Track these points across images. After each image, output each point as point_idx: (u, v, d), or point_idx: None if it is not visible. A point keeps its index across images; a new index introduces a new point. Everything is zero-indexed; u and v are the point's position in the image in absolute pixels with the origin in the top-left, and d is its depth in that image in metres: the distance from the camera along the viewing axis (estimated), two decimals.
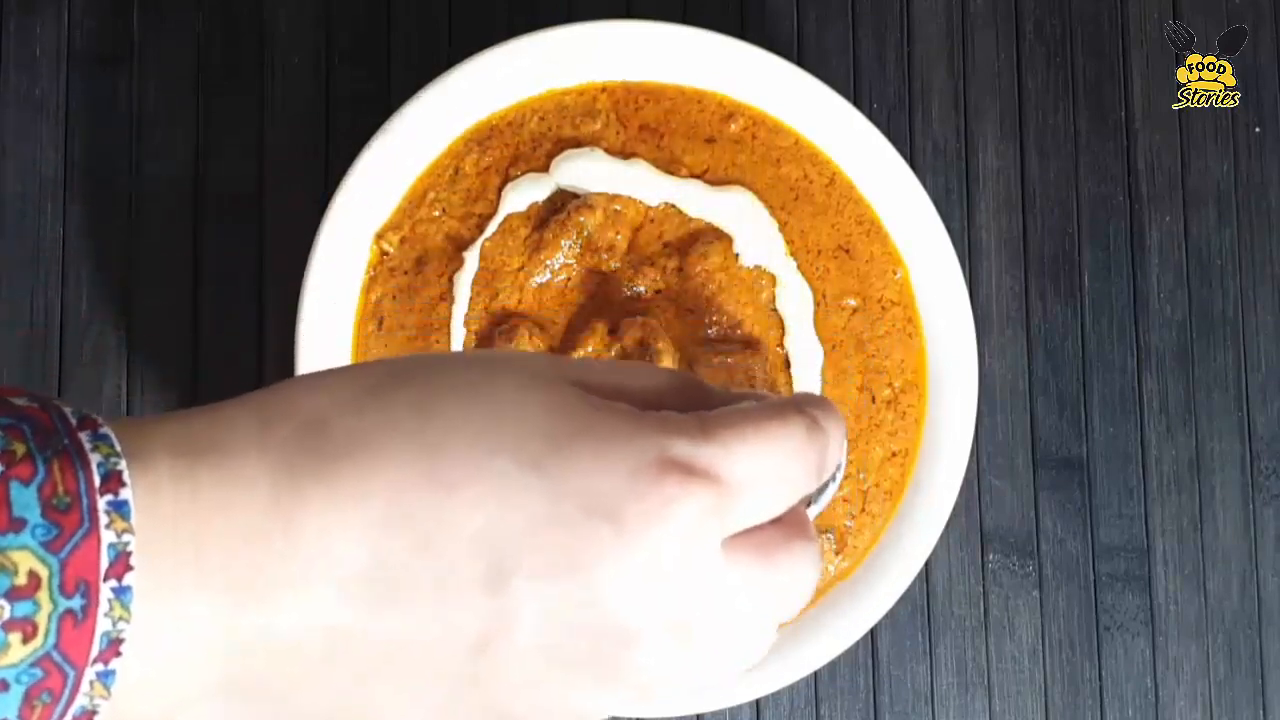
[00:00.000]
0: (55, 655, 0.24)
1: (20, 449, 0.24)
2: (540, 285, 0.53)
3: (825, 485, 0.38)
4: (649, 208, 0.53)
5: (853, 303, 0.54)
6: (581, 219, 0.52)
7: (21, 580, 0.23)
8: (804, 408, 0.30)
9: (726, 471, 0.27)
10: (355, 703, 0.27)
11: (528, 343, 0.51)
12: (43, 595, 0.23)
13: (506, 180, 0.53)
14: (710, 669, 0.29)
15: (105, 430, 0.25)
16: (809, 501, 0.35)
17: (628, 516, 0.26)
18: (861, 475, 0.53)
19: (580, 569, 0.26)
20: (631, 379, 0.30)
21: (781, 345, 0.53)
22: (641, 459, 0.26)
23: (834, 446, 0.31)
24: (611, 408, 0.28)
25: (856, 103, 0.57)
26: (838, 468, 0.37)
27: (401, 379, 0.28)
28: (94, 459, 0.25)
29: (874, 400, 0.53)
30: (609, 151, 0.53)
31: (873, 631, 0.56)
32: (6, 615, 0.23)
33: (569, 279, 0.53)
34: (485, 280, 0.52)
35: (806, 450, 0.29)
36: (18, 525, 0.23)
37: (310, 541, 0.25)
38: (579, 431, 0.27)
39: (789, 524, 0.30)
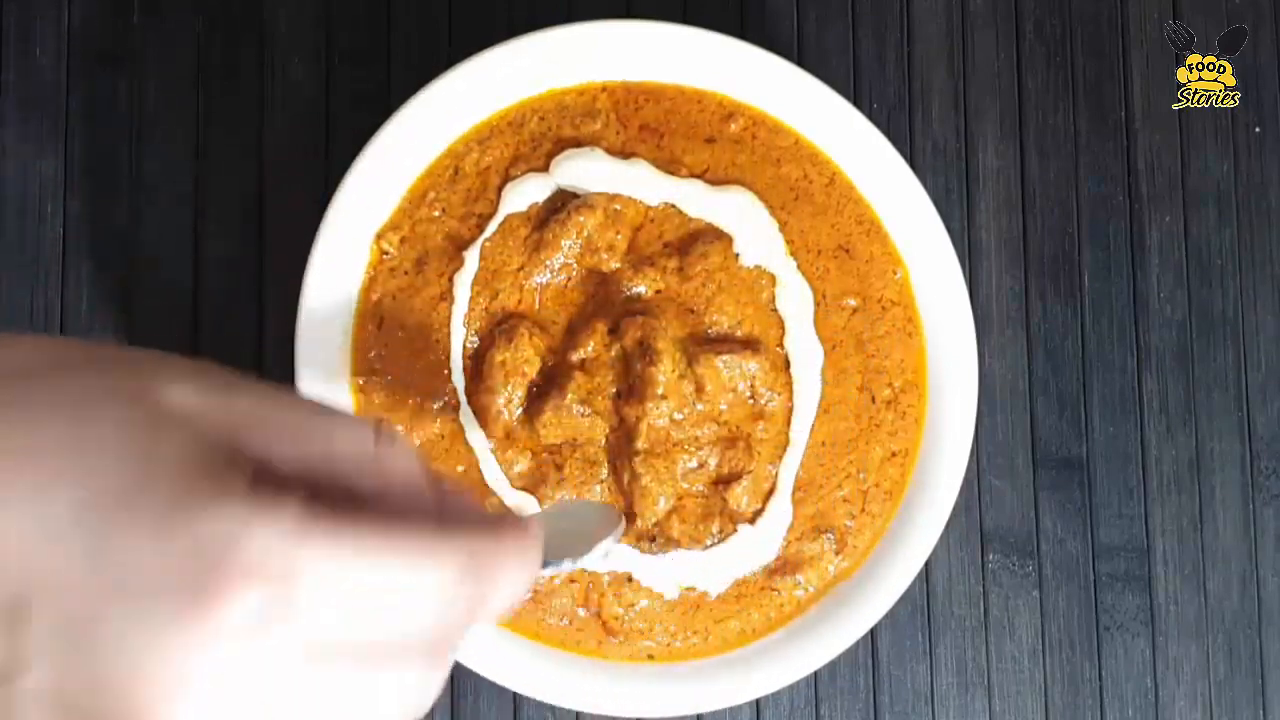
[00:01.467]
0: None
1: None
2: (540, 285, 0.53)
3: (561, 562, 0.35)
4: (649, 208, 0.53)
5: (853, 303, 0.54)
6: (581, 219, 0.52)
7: None
8: (473, 548, 0.26)
9: (310, 579, 0.24)
10: None
11: (528, 343, 0.51)
12: None
13: (506, 180, 0.53)
14: None
15: None
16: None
17: (161, 603, 0.23)
18: (861, 475, 0.53)
19: (100, 643, 0.23)
20: (301, 430, 0.26)
21: (781, 345, 0.53)
22: (209, 541, 0.23)
23: (501, 594, 0.27)
24: (212, 470, 0.24)
25: (856, 103, 0.57)
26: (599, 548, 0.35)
27: (27, 379, 0.25)
28: None
29: (874, 400, 0.53)
30: (609, 151, 0.53)
31: (873, 631, 0.56)
32: None
33: (569, 279, 0.53)
34: (485, 280, 0.52)
35: (438, 594, 0.25)
36: None
37: None
38: (152, 489, 0.24)
39: (412, 644, 0.26)
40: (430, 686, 0.27)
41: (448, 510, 0.27)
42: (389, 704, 0.26)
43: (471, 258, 0.52)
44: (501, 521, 0.28)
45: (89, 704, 0.24)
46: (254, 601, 0.23)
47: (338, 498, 0.25)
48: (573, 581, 0.52)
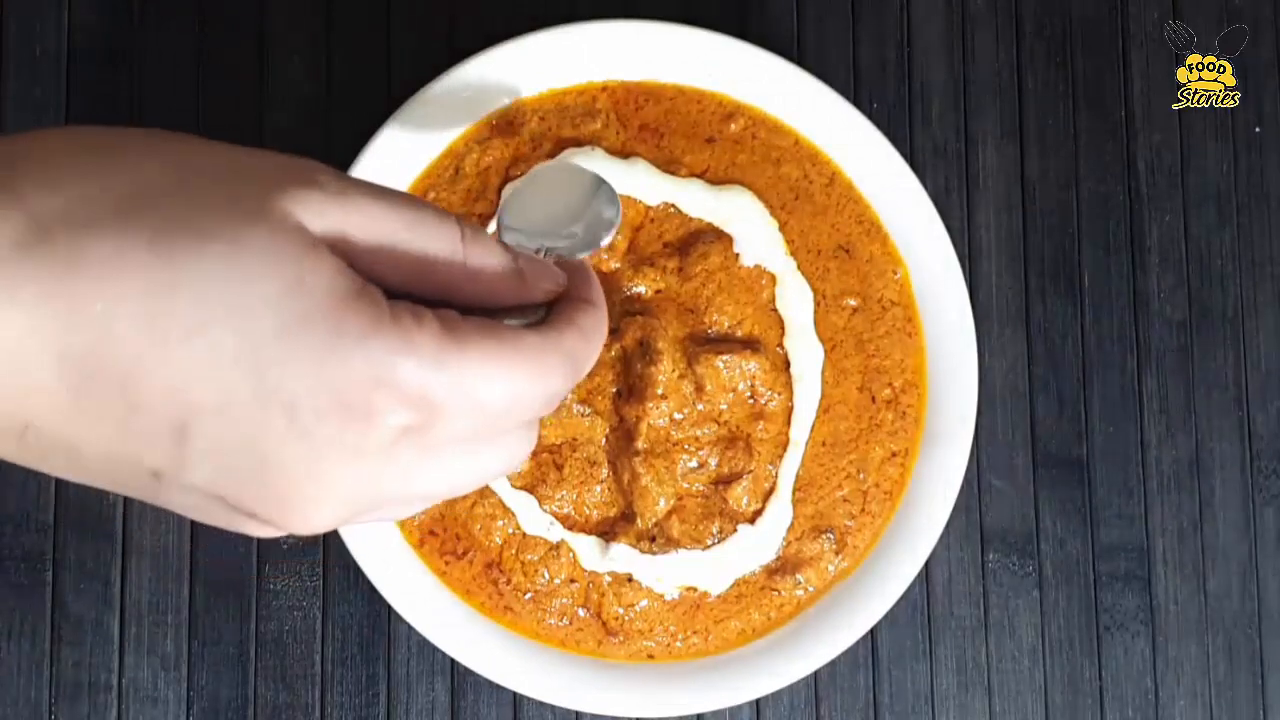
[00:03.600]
0: None
1: None
2: None
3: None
4: (649, 208, 0.53)
5: (853, 302, 0.54)
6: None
7: None
8: (572, 350, 0.30)
9: (448, 398, 0.28)
10: (30, 462, 0.28)
11: None
12: None
13: (506, 180, 0.53)
14: (389, 515, 0.31)
15: None
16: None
17: (323, 422, 0.26)
18: (861, 475, 0.53)
19: (260, 455, 0.26)
20: (405, 235, 0.29)
21: (781, 345, 0.53)
22: (365, 371, 0.26)
23: (585, 374, 0.32)
24: (358, 302, 0.27)
25: (856, 103, 0.57)
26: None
27: (149, 202, 0.27)
28: None
29: (874, 400, 0.53)
30: (609, 151, 0.53)
31: (873, 631, 0.56)
32: None
33: None
34: None
35: (549, 394, 0.30)
36: None
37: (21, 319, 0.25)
38: (313, 323, 0.26)
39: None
40: (528, 448, 0.31)
41: (530, 284, 0.32)
42: (493, 469, 0.30)
43: None
44: (575, 295, 0.32)
45: (241, 500, 0.27)
46: (400, 422, 0.27)
47: (438, 300, 0.29)
48: (573, 582, 0.52)
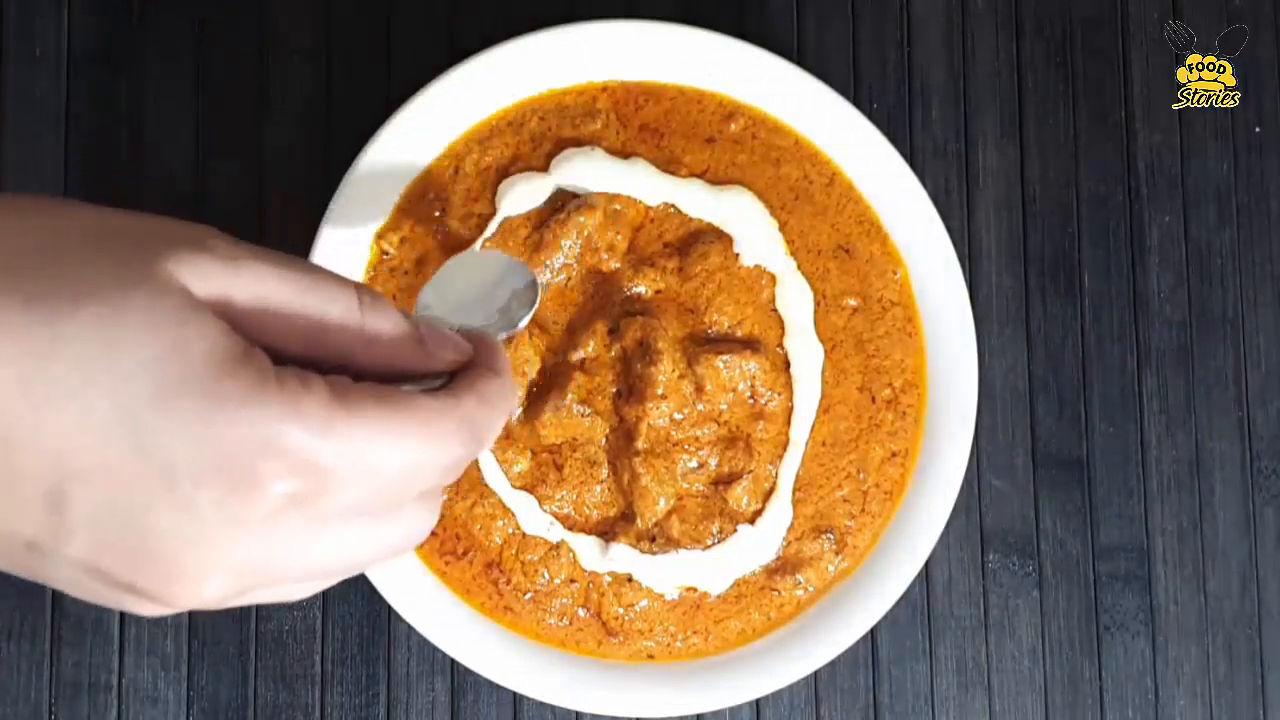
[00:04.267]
0: None
1: None
2: (541, 285, 0.52)
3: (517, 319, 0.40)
4: (649, 208, 0.53)
5: (853, 302, 0.54)
6: (581, 219, 0.52)
7: None
8: (469, 416, 0.29)
9: (337, 465, 0.27)
10: None
11: (528, 343, 0.51)
12: None
13: (504, 178, 0.53)
14: (280, 595, 0.29)
15: None
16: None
17: (206, 488, 0.25)
18: (861, 475, 0.53)
19: (142, 521, 0.26)
20: (299, 301, 0.28)
21: (781, 345, 0.53)
22: (248, 438, 0.26)
23: (490, 441, 0.31)
24: (241, 367, 0.26)
25: (856, 103, 0.57)
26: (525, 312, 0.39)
27: (28, 263, 0.26)
28: None
29: (874, 400, 0.53)
30: (609, 151, 0.53)
31: (873, 631, 0.56)
32: None
33: (569, 279, 0.53)
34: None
35: (451, 460, 0.29)
36: None
37: None
38: (191, 390, 0.25)
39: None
40: (431, 521, 0.31)
41: (430, 352, 0.31)
42: (392, 543, 0.29)
43: None
44: (480, 364, 0.32)
45: (120, 572, 0.26)
46: (287, 489, 0.26)
47: (335, 367, 0.28)
48: (573, 582, 0.52)
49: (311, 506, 0.27)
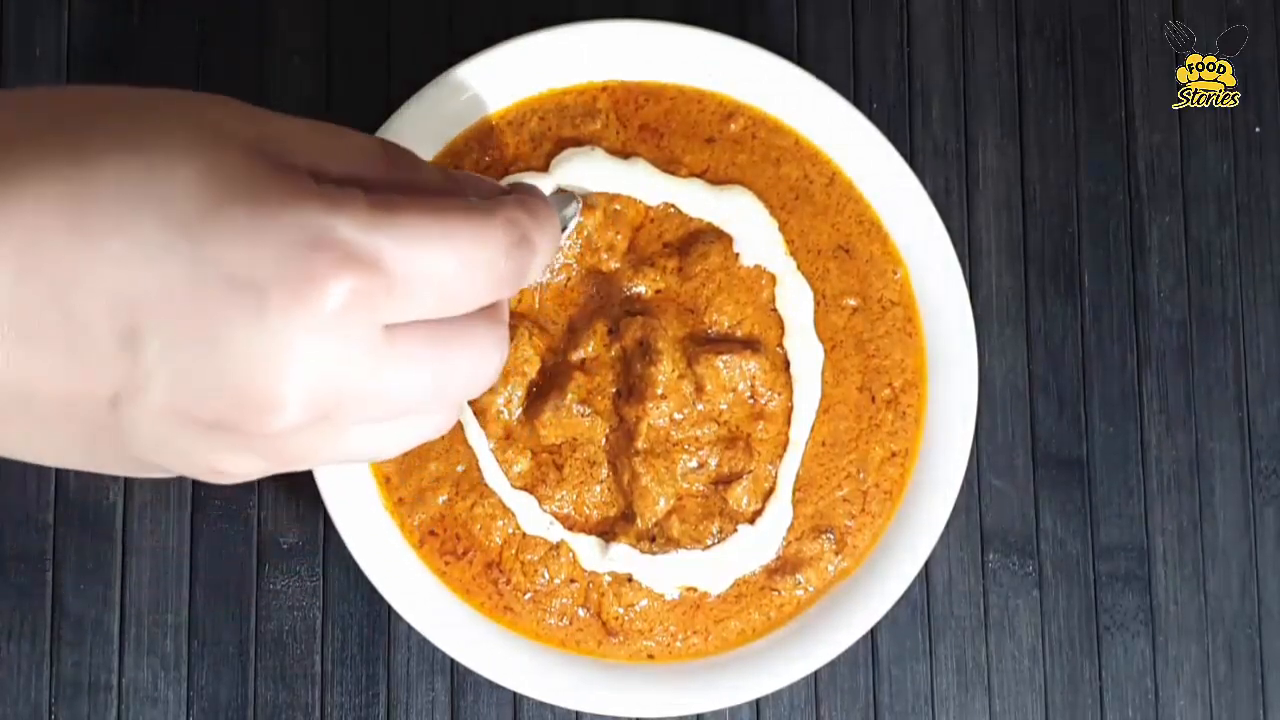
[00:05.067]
0: None
1: None
2: (540, 285, 0.53)
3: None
4: (649, 208, 0.53)
5: (853, 302, 0.54)
6: (581, 219, 0.52)
7: None
8: (512, 218, 0.29)
9: (391, 262, 0.26)
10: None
11: (528, 343, 0.51)
12: None
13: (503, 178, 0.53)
14: (359, 440, 0.29)
15: None
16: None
17: (270, 291, 0.25)
18: (861, 475, 0.53)
19: (215, 339, 0.25)
20: (327, 147, 0.29)
21: (781, 345, 0.53)
22: (298, 234, 0.25)
23: (540, 258, 0.30)
24: (281, 176, 0.26)
25: (856, 103, 0.57)
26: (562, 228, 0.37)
27: (63, 116, 0.26)
28: None
29: (874, 400, 0.53)
30: (609, 151, 0.53)
31: (873, 631, 0.56)
32: None
33: (569, 279, 0.53)
34: None
35: (498, 262, 0.28)
36: None
37: None
38: (236, 197, 0.25)
39: (473, 313, 0.30)
40: (497, 354, 0.30)
41: (467, 188, 0.30)
42: (471, 368, 0.29)
43: None
44: (518, 191, 0.31)
45: (203, 406, 0.26)
46: (347, 285, 0.26)
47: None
48: (573, 582, 0.52)
49: (375, 307, 0.26)
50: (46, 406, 0.26)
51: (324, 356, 0.26)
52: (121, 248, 0.25)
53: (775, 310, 0.53)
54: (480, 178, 0.32)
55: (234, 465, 0.27)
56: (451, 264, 0.27)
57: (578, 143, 0.53)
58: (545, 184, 0.52)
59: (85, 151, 0.25)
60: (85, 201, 0.25)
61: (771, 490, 0.52)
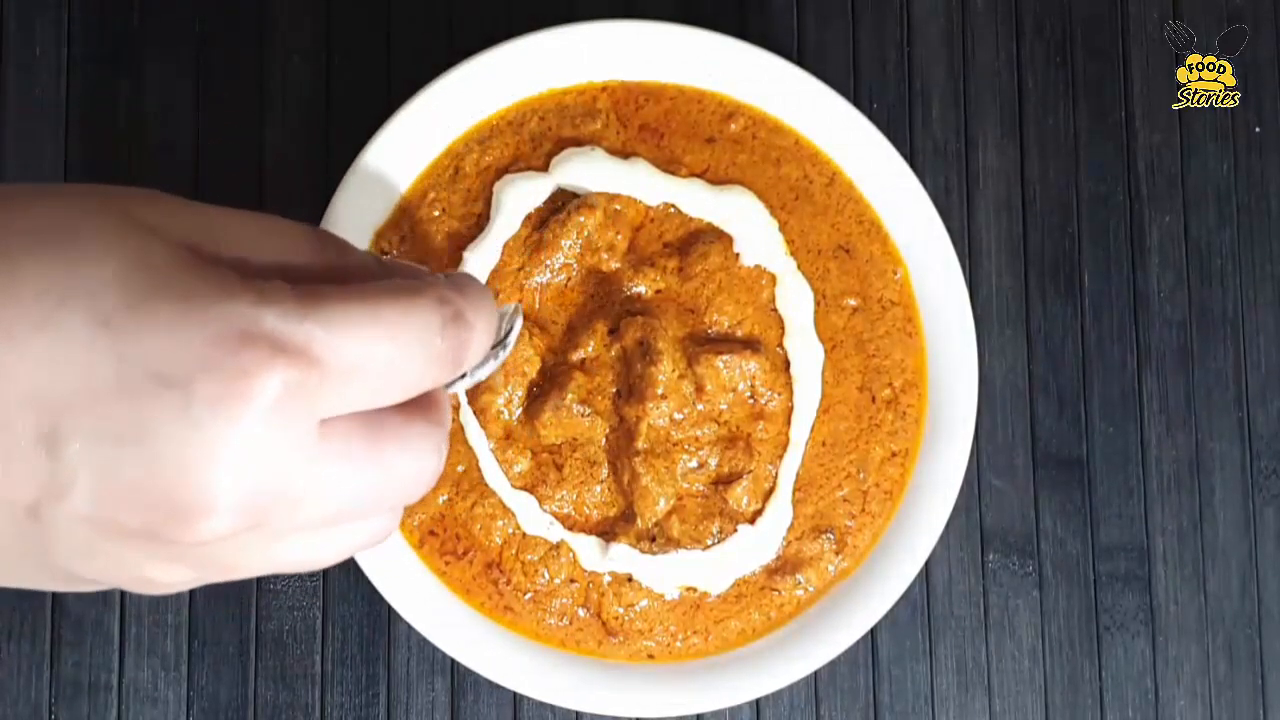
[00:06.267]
0: None
1: None
2: (540, 285, 0.53)
3: (485, 362, 0.37)
4: (649, 208, 0.53)
5: (853, 302, 0.54)
6: (581, 219, 0.52)
7: None
8: (444, 296, 0.28)
9: (322, 351, 0.26)
10: None
11: (528, 343, 0.51)
12: None
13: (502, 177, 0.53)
14: (295, 547, 0.28)
15: None
16: (462, 374, 0.34)
17: (198, 388, 0.24)
18: (861, 475, 0.53)
19: (141, 440, 0.24)
20: (256, 239, 0.28)
21: (781, 345, 0.53)
22: (224, 327, 0.25)
23: (476, 339, 0.29)
24: (207, 270, 0.26)
25: (856, 103, 0.57)
26: (504, 339, 0.36)
27: None
28: None
29: (874, 400, 0.53)
30: (609, 151, 0.53)
31: (873, 631, 0.56)
32: None
33: (569, 279, 0.53)
34: (485, 280, 0.52)
35: (433, 341, 0.28)
36: None
37: None
38: (160, 292, 0.25)
39: (413, 405, 0.29)
40: (435, 455, 0.29)
41: (401, 277, 0.29)
42: (409, 465, 0.28)
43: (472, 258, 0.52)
44: (451, 276, 0.30)
45: (129, 514, 0.25)
46: (278, 377, 0.25)
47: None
48: (573, 582, 0.52)
49: (308, 399, 0.26)
50: None
51: (255, 455, 0.25)
52: (43, 346, 0.24)
53: (775, 310, 0.53)
54: (414, 265, 0.31)
55: (163, 575, 0.26)
56: (384, 346, 0.27)
57: (578, 143, 0.53)
58: (545, 184, 0.53)
59: (7, 248, 0.25)
60: (4, 301, 0.24)
61: (771, 490, 0.52)
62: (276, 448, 0.25)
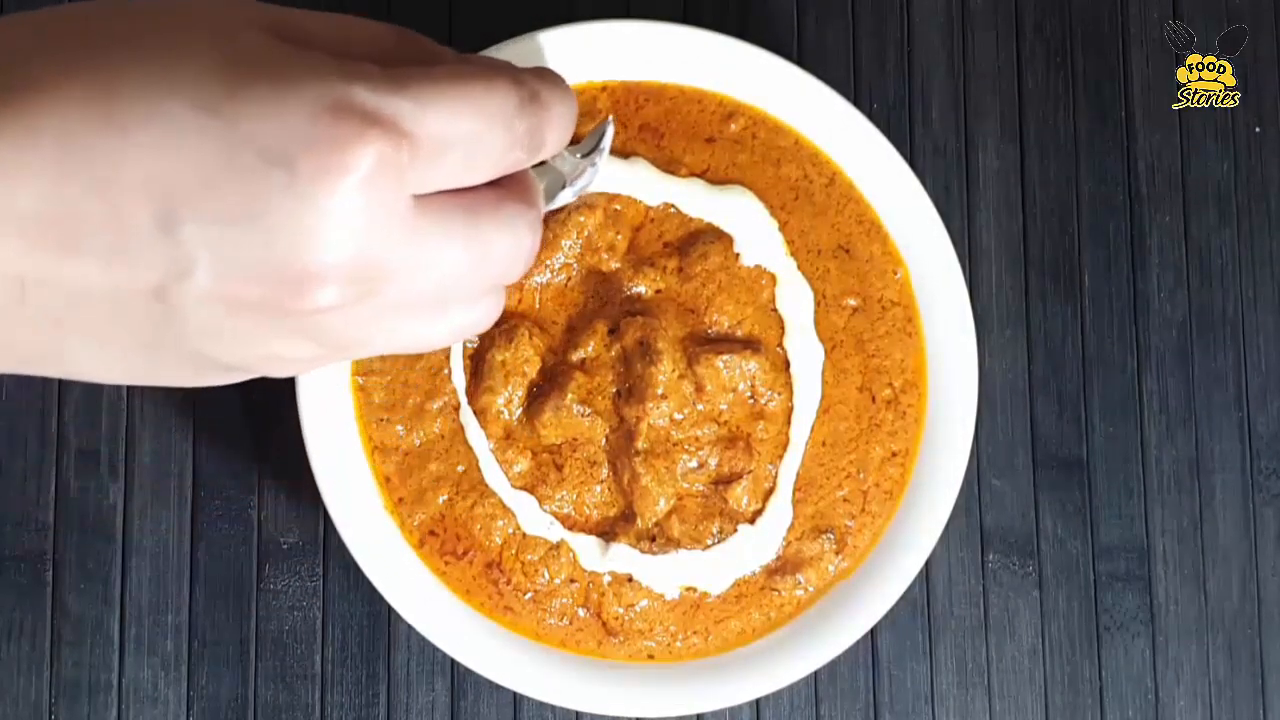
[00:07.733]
0: None
1: None
2: (540, 285, 0.53)
3: (582, 171, 0.38)
4: (649, 208, 0.53)
5: (853, 302, 0.54)
6: (581, 219, 0.52)
7: None
8: (521, 78, 0.30)
9: (412, 124, 0.27)
10: (53, 350, 0.27)
11: (528, 343, 0.51)
12: None
13: None
14: (406, 323, 0.29)
15: None
16: (562, 184, 0.36)
17: (300, 163, 0.26)
18: (861, 475, 0.53)
19: (253, 216, 0.26)
20: (343, 33, 0.30)
21: (781, 345, 0.53)
22: (319, 103, 0.26)
23: (555, 121, 0.31)
24: (298, 52, 0.27)
25: (856, 103, 0.57)
26: (595, 153, 0.38)
27: (79, 27, 0.27)
28: None
29: (874, 400, 0.53)
30: (609, 151, 0.53)
31: (873, 631, 0.56)
32: None
33: (569, 279, 0.53)
34: None
35: (513, 119, 0.29)
36: None
37: None
38: (257, 75, 0.26)
39: (506, 186, 0.30)
40: (531, 233, 0.30)
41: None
42: (500, 250, 0.29)
43: None
44: (530, 68, 0.32)
45: (248, 287, 0.26)
46: (372, 148, 0.26)
47: None
48: (573, 582, 0.52)
49: (400, 171, 0.27)
50: (100, 306, 0.26)
51: (357, 224, 0.27)
52: (153, 135, 0.26)
53: (775, 310, 0.53)
54: (492, 58, 0.33)
55: (288, 350, 0.28)
56: (468, 121, 0.28)
57: (578, 142, 0.53)
58: None
59: (107, 53, 0.26)
60: (112, 97, 0.26)
61: (771, 490, 0.52)
62: (376, 217, 0.27)
